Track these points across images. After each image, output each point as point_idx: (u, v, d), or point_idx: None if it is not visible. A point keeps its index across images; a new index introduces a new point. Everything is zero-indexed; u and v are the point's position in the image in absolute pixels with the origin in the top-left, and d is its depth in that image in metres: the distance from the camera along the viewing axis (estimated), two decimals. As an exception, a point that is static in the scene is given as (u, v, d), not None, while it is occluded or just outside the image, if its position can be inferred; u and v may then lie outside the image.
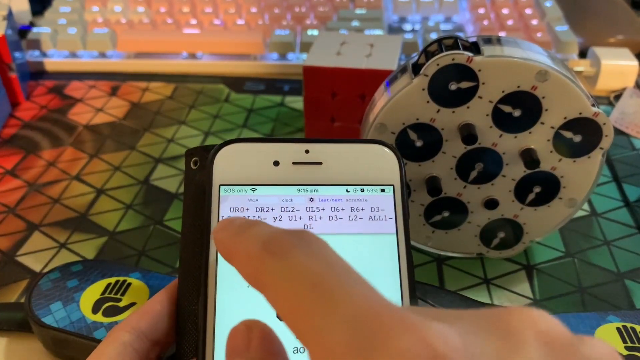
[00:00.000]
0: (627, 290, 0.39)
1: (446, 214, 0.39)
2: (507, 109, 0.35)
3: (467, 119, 0.35)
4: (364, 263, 0.26)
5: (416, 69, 0.35)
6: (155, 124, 0.57)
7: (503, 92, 0.34)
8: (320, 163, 0.27)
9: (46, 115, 0.58)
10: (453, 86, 0.34)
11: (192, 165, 0.29)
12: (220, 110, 0.59)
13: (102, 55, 0.66)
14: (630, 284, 0.40)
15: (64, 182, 0.50)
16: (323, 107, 0.50)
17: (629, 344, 0.33)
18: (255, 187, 0.27)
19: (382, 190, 0.27)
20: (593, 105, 0.34)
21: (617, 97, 0.60)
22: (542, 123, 0.35)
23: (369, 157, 0.28)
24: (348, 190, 0.27)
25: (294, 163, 0.27)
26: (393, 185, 0.27)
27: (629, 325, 0.34)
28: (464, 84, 0.34)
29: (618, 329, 0.34)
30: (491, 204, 0.38)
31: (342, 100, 0.49)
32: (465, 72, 0.34)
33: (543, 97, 0.34)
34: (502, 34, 0.66)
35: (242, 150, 0.27)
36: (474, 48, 0.34)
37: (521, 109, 0.34)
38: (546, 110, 0.34)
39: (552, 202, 0.38)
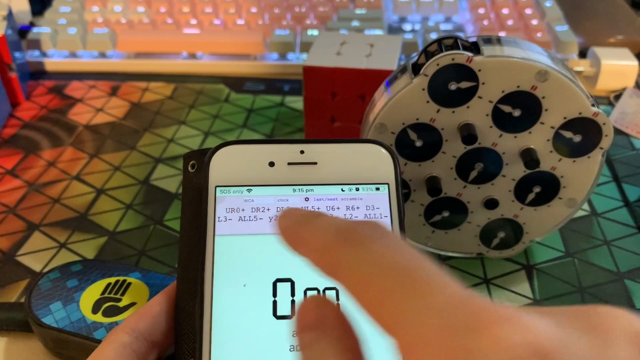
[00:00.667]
0: (627, 290, 0.39)
1: (446, 213, 0.39)
2: (507, 108, 0.35)
3: (467, 119, 0.35)
4: None
5: (416, 69, 0.35)
6: (155, 124, 0.57)
7: (503, 92, 0.34)
8: (315, 163, 0.28)
9: (46, 115, 0.58)
10: (453, 86, 0.34)
11: (189, 168, 0.29)
12: (220, 110, 0.59)
13: (102, 55, 0.66)
14: (630, 284, 0.40)
15: (64, 182, 0.50)
16: (323, 107, 0.50)
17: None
18: (250, 188, 0.27)
19: (377, 189, 0.27)
20: (593, 105, 0.34)
21: (617, 97, 0.60)
22: (542, 123, 0.35)
23: (364, 157, 0.28)
24: (343, 189, 0.27)
25: (289, 163, 0.27)
26: (388, 184, 0.27)
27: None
28: (464, 84, 0.34)
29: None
30: (491, 203, 0.38)
31: (342, 100, 0.49)
32: (465, 72, 0.34)
33: (543, 97, 0.34)
34: (502, 34, 0.66)
35: (237, 152, 0.27)
36: (474, 48, 0.34)
37: (521, 108, 0.34)
38: (546, 110, 0.34)
39: (552, 202, 0.38)
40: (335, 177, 0.27)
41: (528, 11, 0.69)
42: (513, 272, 0.41)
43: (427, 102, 0.35)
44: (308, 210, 0.21)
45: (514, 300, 0.38)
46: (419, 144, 0.36)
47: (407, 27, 0.70)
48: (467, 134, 0.35)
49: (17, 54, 0.60)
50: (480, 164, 0.37)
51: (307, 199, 0.27)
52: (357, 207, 0.27)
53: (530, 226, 0.39)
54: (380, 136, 0.36)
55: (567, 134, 0.35)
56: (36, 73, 0.65)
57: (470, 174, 0.37)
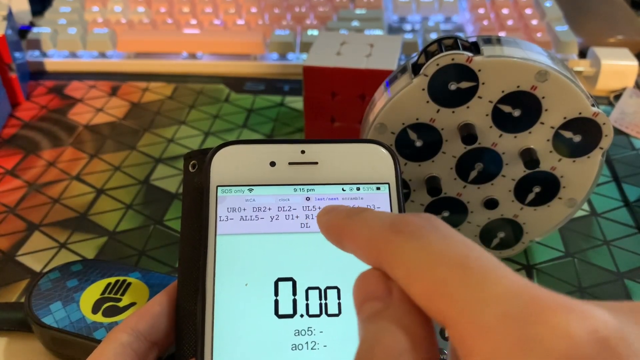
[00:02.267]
0: (627, 290, 0.39)
1: (446, 213, 0.39)
2: (506, 109, 0.35)
3: (467, 119, 0.35)
4: (360, 267, 0.26)
5: (416, 69, 0.35)
6: (155, 124, 0.57)
7: (503, 92, 0.34)
8: (316, 163, 0.28)
9: (46, 115, 0.58)
10: (453, 86, 0.34)
11: (190, 168, 0.29)
12: (220, 110, 0.59)
13: (102, 55, 0.66)
14: (630, 284, 0.40)
15: (64, 182, 0.50)
16: (323, 107, 0.50)
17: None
18: (252, 188, 0.27)
19: (378, 189, 0.28)
20: (593, 105, 0.34)
21: (617, 97, 0.60)
22: (542, 123, 0.35)
23: (365, 157, 0.28)
24: (344, 189, 0.27)
25: (290, 163, 0.28)
26: (389, 184, 0.28)
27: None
28: (464, 84, 0.34)
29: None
30: (491, 203, 0.38)
31: (342, 100, 0.49)
32: (465, 72, 0.34)
33: (543, 97, 0.34)
34: (502, 34, 0.66)
35: (238, 152, 0.27)
36: (474, 48, 0.34)
37: (521, 109, 0.34)
38: (546, 110, 0.34)
39: (551, 202, 0.38)
40: (336, 177, 0.28)
41: (528, 11, 0.69)
42: (513, 272, 0.41)
43: (427, 102, 0.35)
44: (350, 206, 0.21)
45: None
46: (419, 144, 0.36)
47: (407, 27, 0.70)
48: (467, 134, 0.35)
49: (17, 54, 0.60)
50: (480, 164, 0.37)
51: (308, 199, 0.27)
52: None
53: (530, 226, 0.39)
54: (380, 136, 0.36)
55: (567, 134, 0.35)
56: (36, 73, 0.65)
57: (470, 174, 0.37)
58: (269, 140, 0.31)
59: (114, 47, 0.66)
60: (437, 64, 0.34)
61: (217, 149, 0.27)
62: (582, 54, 0.64)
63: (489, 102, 0.34)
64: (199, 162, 0.29)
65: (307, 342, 0.24)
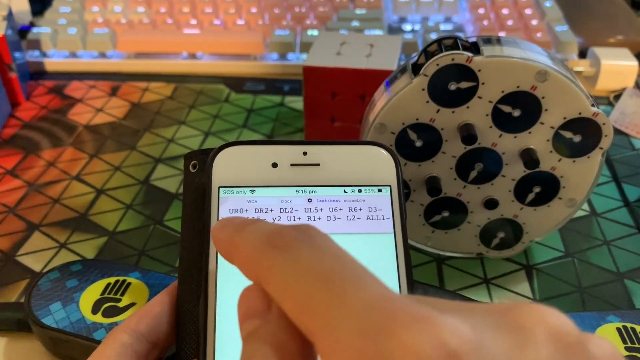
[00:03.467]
0: (627, 290, 0.39)
1: (446, 213, 0.39)
2: (506, 109, 0.35)
3: (467, 119, 0.35)
4: (363, 262, 0.26)
5: (416, 69, 0.35)
6: (155, 124, 0.57)
7: (503, 92, 0.34)
8: (318, 164, 0.28)
9: (46, 115, 0.58)
10: (453, 86, 0.34)
11: (191, 168, 0.29)
12: (220, 111, 0.59)
13: (102, 55, 0.66)
14: (630, 284, 0.40)
15: (64, 182, 0.50)
16: (323, 107, 0.50)
17: (629, 344, 0.33)
18: (254, 189, 0.27)
19: (380, 191, 0.28)
20: (593, 105, 0.34)
21: (617, 97, 0.60)
22: (542, 123, 0.35)
23: (366, 159, 0.28)
24: (346, 190, 0.27)
25: (292, 165, 0.27)
26: (390, 186, 0.28)
27: (629, 325, 0.34)
28: (464, 84, 0.34)
29: (618, 329, 0.34)
30: (491, 203, 0.38)
31: (342, 100, 0.49)
32: (465, 72, 0.34)
33: (543, 97, 0.34)
34: (501, 34, 0.66)
35: (240, 153, 0.27)
36: (474, 48, 0.34)
37: (521, 109, 0.34)
38: (546, 110, 0.34)
39: (551, 202, 0.38)
40: (338, 179, 0.28)
41: (528, 11, 0.69)
42: (513, 272, 0.41)
43: (427, 102, 0.35)
44: (245, 218, 0.21)
45: (514, 300, 0.38)
46: (418, 144, 0.36)
47: (407, 27, 0.70)
48: (467, 134, 0.35)
49: (17, 54, 0.60)
50: (480, 164, 0.37)
51: (310, 200, 0.27)
52: (360, 209, 0.27)
53: (530, 226, 0.39)
54: (380, 136, 0.36)
55: (567, 134, 0.35)
56: (36, 73, 0.65)
57: (470, 174, 0.37)
58: (270, 141, 0.31)
59: (114, 47, 0.66)
60: (437, 64, 0.34)
61: (219, 150, 0.27)
62: (582, 54, 0.64)
63: (489, 102, 0.34)
64: (199, 162, 0.29)
65: None
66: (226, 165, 0.27)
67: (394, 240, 0.27)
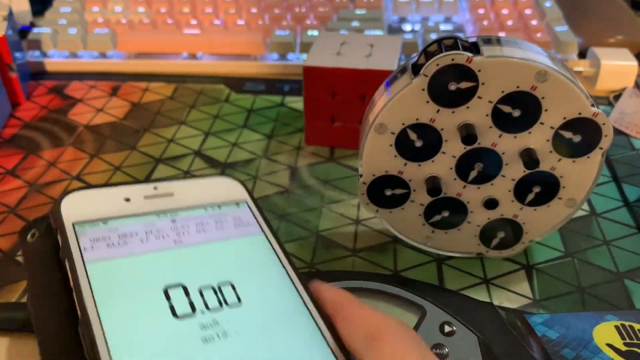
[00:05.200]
0: (627, 290, 0.39)
1: (446, 213, 0.39)
2: (506, 109, 0.35)
3: (467, 119, 0.35)
4: (247, 263, 0.27)
5: (416, 69, 0.35)
6: (155, 124, 0.57)
7: (503, 92, 0.34)
8: (172, 194, 0.28)
9: (47, 115, 0.59)
10: (453, 86, 0.34)
11: (29, 238, 0.27)
12: (221, 111, 0.59)
13: (103, 55, 0.67)
14: (630, 284, 0.40)
15: (65, 182, 0.50)
16: (323, 107, 0.50)
17: (627, 340, 0.33)
18: (112, 220, 0.26)
19: (238, 205, 0.29)
20: (592, 105, 0.34)
21: (617, 97, 0.60)
22: (542, 123, 0.35)
23: (216, 187, 0.29)
24: (205, 209, 0.28)
25: (145, 197, 0.27)
26: (246, 201, 0.29)
27: (627, 323, 0.34)
28: (464, 84, 0.34)
29: (616, 326, 0.34)
30: (491, 203, 0.38)
31: (342, 100, 0.49)
32: (465, 73, 0.34)
33: (542, 97, 0.34)
34: (501, 34, 0.66)
35: (88, 195, 0.27)
36: (474, 48, 0.34)
37: (521, 109, 0.35)
38: (546, 110, 0.34)
39: (551, 202, 0.38)
40: (194, 203, 0.28)
41: (528, 11, 0.69)
42: (513, 272, 0.41)
43: (427, 102, 0.35)
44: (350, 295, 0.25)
45: (514, 300, 0.38)
46: (418, 144, 0.36)
47: (407, 27, 0.70)
48: (467, 134, 0.35)
49: (17, 54, 0.60)
50: (480, 164, 0.37)
51: (174, 221, 0.27)
52: (225, 219, 0.28)
53: (530, 226, 0.39)
54: (380, 136, 0.36)
55: (567, 134, 0.35)
56: (37, 73, 0.65)
57: (470, 174, 0.37)
58: (116, 183, 0.31)
59: (114, 48, 0.66)
60: (437, 64, 0.34)
61: (64, 195, 0.26)
62: (582, 54, 0.65)
63: (489, 102, 0.34)
64: (38, 229, 0.27)
65: (217, 333, 0.24)
66: (76, 206, 0.26)
67: (268, 240, 0.28)
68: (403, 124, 0.36)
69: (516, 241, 0.40)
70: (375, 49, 0.49)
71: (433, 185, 0.37)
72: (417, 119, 0.35)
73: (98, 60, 0.66)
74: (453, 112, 0.35)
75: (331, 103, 0.49)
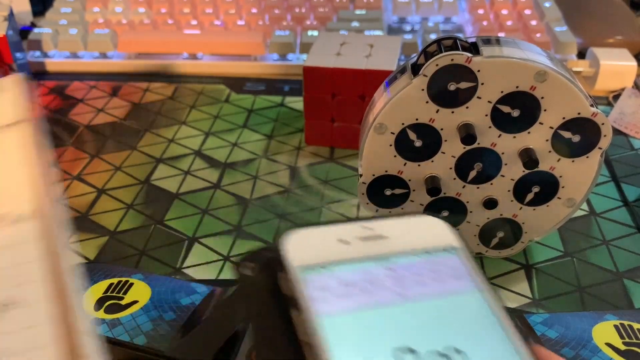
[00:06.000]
0: (626, 290, 0.39)
1: (445, 213, 0.39)
2: (506, 109, 0.35)
3: (466, 119, 0.35)
4: (468, 323, 0.26)
5: (415, 69, 0.35)
6: (156, 124, 0.57)
7: (502, 92, 0.34)
8: (383, 237, 0.28)
9: (47, 115, 0.59)
10: (452, 86, 0.34)
11: (247, 271, 0.28)
12: (221, 111, 0.59)
13: (103, 55, 0.67)
14: (629, 284, 0.40)
15: (65, 182, 0.50)
16: (323, 107, 0.50)
17: (627, 340, 0.33)
18: (331, 266, 0.27)
19: (446, 251, 0.28)
20: (592, 105, 0.35)
21: (616, 97, 0.60)
22: (541, 123, 0.35)
23: (424, 228, 0.28)
24: (418, 256, 0.28)
25: (360, 239, 0.28)
26: (456, 247, 0.28)
27: (626, 322, 0.34)
28: (463, 85, 0.34)
29: (615, 326, 0.34)
30: (490, 203, 0.38)
31: (342, 100, 0.49)
32: (465, 73, 0.34)
33: (542, 98, 0.34)
34: (501, 34, 0.66)
35: (307, 235, 0.27)
36: (473, 48, 0.34)
37: (520, 109, 0.35)
38: (545, 110, 0.35)
39: (551, 202, 0.38)
40: (405, 247, 0.28)
41: (527, 12, 0.69)
42: (512, 272, 0.41)
43: (427, 102, 0.35)
44: None
45: (514, 299, 0.39)
46: (418, 144, 0.36)
47: (406, 27, 0.71)
48: (466, 134, 0.35)
49: (18, 55, 0.60)
50: (479, 164, 0.37)
51: (390, 269, 0.27)
52: (440, 270, 0.27)
53: (529, 226, 0.39)
54: (379, 136, 0.36)
55: (566, 134, 0.35)
56: (37, 73, 0.66)
57: (470, 174, 0.37)
58: (329, 222, 0.31)
59: (114, 48, 0.67)
60: (437, 65, 0.34)
61: (287, 234, 0.27)
62: (581, 55, 0.65)
63: (488, 102, 0.35)
64: (258, 263, 0.28)
65: None
66: (297, 247, 0.27)
67: (484, 294, 0.26)
68: (403, 124, 0.36)
69: (515, 241, 0.40)
70: (375, 49, 0.50)
71: (432, 185, 0.37)
72: (416, 119, 0.35)
73: (98, 60, 0.66)
74: (452, 112, 0.35)
75: (331, 103, 0.49)
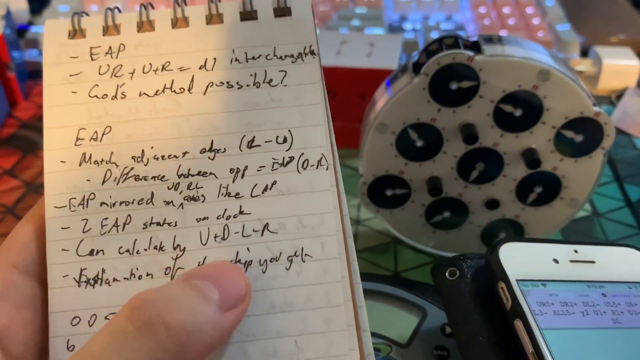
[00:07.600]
0: (629, 291, 0.39)
1: (447, 214, 0.39)
2: (508, 108, 0.34)
3: (468, 119, 0.35)
4: None
5: (417, 68, 0.34)
6: (154, 123, 0.57)
7: (504, 91, 0.34)
8: (594, 262, 0.28)
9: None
10: (454, 85, 0.34)
11: (448, 275, 0.29)
12: (220, 110, 0.58)
13: (102, 54, 0.66)
14: (632, 285, 0.39)
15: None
16: (323, 106, 0.49)
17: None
18: (547, 283, 0.27)
19: None
20: (594, 104, 0.34)
21: (619, 96, 0.59)
22: (543, 123, 0.35)
23: (629, 258, 0.29)
24: (630, 287, 0.28)
25: (570, 261, 0.28)
26: None
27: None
28: (465, 84, 0.34)
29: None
30: (492, 204, 0.38)
31: (342, 99, 0.49)
32: (466, 72, 0.33)
33: (544, 97, 0.34)
34: (503, 33, 0.65)
35: (520, 249, 0.28)
36: (475, 47, 0.34)
37: (522, 108, 0.34)
38: (547, 109, 0.34)
39: (553, 202, 0.38)
40: (613, 275, 0.28)
41: (529, 10, 0.69)
42: (514, 273, 0.40)
43: (428, 101, 0.34)
44: None
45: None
46: (419, 143, 0.36)
47: (407, 26, 0.70)
48: (468, 133, 0.34)
49: (15, 54, 0.60)
50: (481, 163, 0.36)
51: (604, 295, 0.27)
52: None
53: (531, 226, 0.39)
54: (380, 136, 0.36)
55: (569, 134, 0.35)
56: (35, 72, 0.65)
57: (471, 174, 0.37)
58: (541, 239, 0.31)
59: (113, 47, 0.66)
60: (438, 63, 0.33)
61: (498, 245, 0.27)
62: (584, 54, 0.64)
63: (490, 101, 0.34)
64: (458, 268, 0.29)
65: None
66: (509, 260, 0.27)
67: None
68: (404, 123, 0.35)
69: (518, 242, 0.40)
70: (375, 48, 0.49)
71: (434, 185, 0.37)
72: (418, 119, 0.35)
73: (97, 59, 0.66)
74: (454, 111, 0.35)
75: (331, 103, 0.49)
